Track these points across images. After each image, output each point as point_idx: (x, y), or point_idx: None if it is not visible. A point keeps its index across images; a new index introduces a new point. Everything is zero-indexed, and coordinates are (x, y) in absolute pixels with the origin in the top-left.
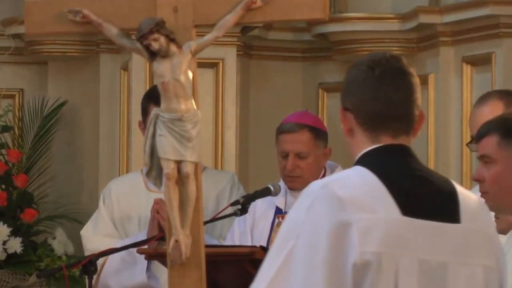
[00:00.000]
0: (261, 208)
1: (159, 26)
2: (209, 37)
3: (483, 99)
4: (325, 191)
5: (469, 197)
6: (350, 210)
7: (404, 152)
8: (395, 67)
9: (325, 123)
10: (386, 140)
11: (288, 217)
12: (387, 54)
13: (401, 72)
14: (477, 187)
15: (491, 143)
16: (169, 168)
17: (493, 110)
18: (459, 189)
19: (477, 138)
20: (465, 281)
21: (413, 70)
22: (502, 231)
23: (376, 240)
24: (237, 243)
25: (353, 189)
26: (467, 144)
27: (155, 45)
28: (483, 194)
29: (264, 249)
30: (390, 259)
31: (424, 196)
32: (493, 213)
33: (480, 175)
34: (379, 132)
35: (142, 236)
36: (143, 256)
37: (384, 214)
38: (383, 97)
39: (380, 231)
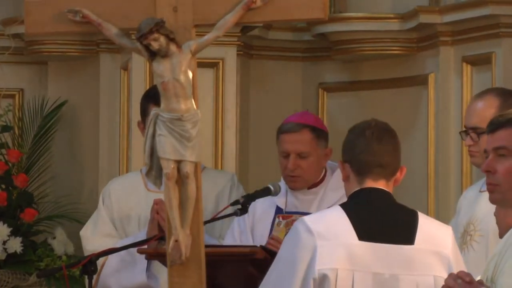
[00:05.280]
0: (261, 208)
1: (159, 26)
2: (209, 36)
3: (481, 93)
4: (302, 225)
5: (431, 225)
6: (317, 238)
7: (375, 192)
8: (380, 128)
9: (325, 123)
10: (368, 183)
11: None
12: (373, 122)
13: (385, 132)
14: (474, 186)
15: (510, 135)
16: (169, 168)
17: (488, 105)
18: (423, 220)
19: (491, 129)
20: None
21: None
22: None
23: (334, 259)
24: (238, 241)
25: (322, 223)
26: (460, 132)
27: (155, 45)
28: (493, 186)
29: (265, 249)
30: (346, 273)
31: (379, 225)
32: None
33: (491, 167)
34: (364, 176)
35: (142, 236)
36: (143, 256)
37: (343, 240)
38: (370, 149)
39: (339, 252)
